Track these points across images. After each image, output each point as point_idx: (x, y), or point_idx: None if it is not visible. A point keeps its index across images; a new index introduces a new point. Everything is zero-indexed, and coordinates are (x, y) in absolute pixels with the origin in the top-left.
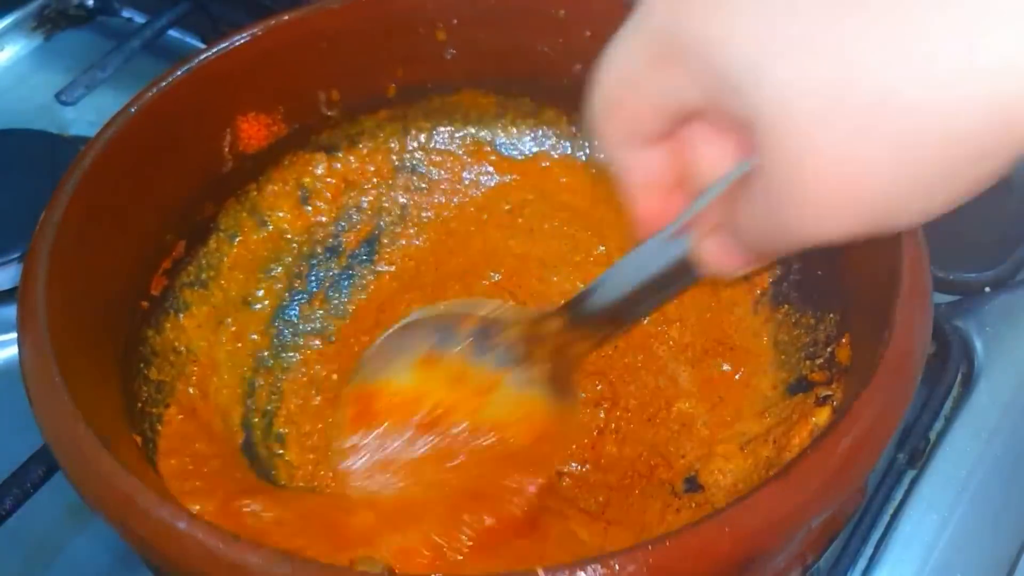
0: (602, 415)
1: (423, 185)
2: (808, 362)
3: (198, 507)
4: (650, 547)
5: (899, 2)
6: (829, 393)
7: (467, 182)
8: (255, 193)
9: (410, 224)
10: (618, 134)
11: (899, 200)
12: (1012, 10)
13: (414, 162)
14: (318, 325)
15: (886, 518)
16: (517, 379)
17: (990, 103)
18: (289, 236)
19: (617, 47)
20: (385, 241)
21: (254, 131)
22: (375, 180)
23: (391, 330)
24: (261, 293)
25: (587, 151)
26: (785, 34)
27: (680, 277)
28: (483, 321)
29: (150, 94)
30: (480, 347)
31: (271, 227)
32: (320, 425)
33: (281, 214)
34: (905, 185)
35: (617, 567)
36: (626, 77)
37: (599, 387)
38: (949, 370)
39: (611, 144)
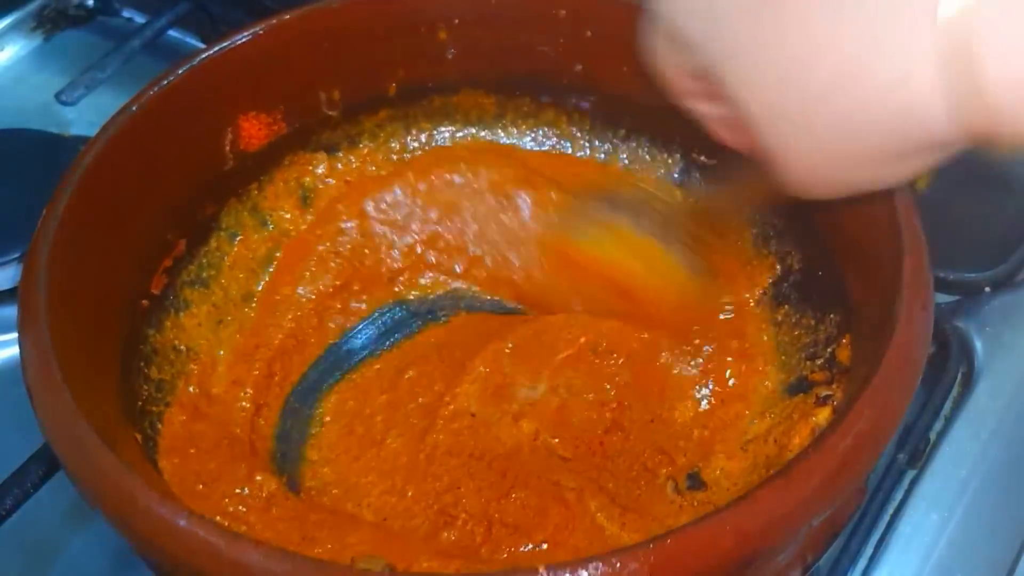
0: (608, 415)
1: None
2: (809, 362)
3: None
4: (651, 545)
5: (831, 13)
6: (829, 393)
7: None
8: (256, 192)
9: None
10: (667, 84)
11: (858, 177)
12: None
13: None
14: None
15: (886, 518)
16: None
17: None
18: (290, 235)
19: (646, 29)
20: None
21: (255, 130)
22: None
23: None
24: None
25: (587, 151)
26: (741, 40)
27: None
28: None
29: (151, 93)
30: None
31: (272, 226)
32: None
33: (282, 213)
34: (858, 169)
35: (619, 565)
36: (657, 52)
37: (608, 388)
38: (949, 370)
39: (667, 87)
